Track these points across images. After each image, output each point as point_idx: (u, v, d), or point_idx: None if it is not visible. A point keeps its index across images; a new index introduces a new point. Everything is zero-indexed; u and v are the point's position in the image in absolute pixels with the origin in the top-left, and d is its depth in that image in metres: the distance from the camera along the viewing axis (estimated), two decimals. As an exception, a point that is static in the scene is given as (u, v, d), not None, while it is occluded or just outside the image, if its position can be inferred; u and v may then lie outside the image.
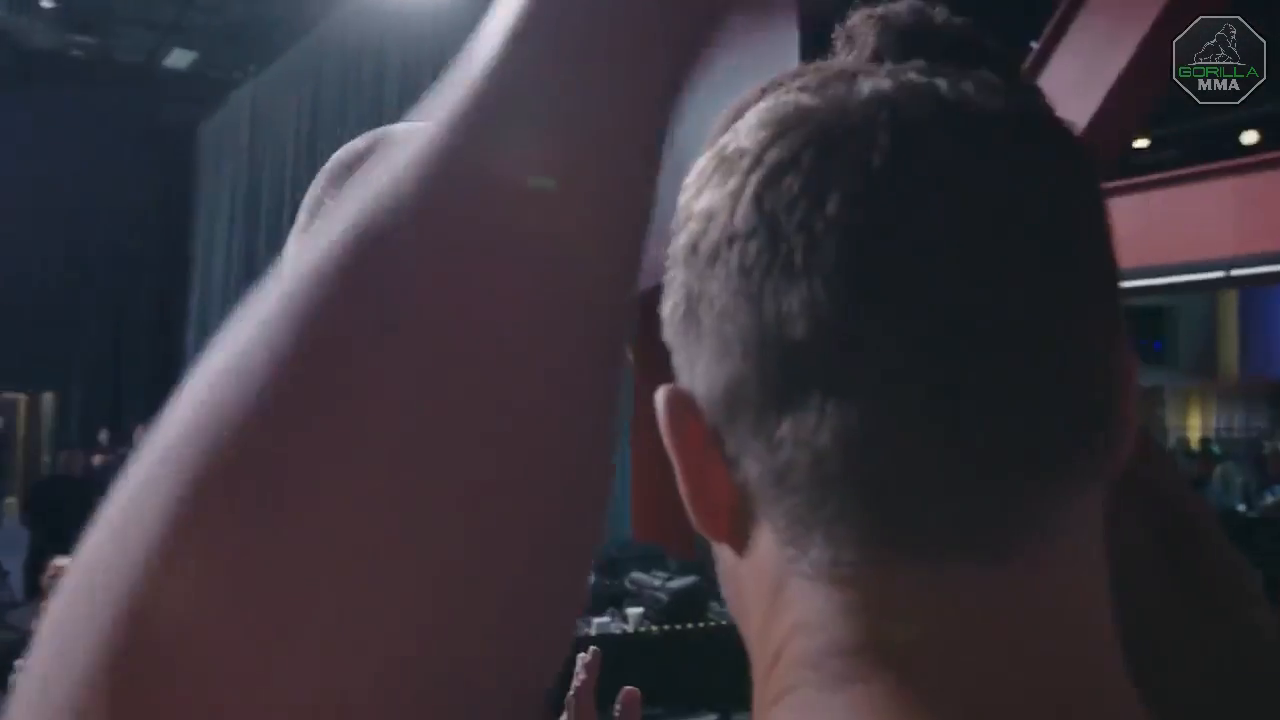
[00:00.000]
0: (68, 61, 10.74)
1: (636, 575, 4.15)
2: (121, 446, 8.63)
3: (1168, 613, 0.31)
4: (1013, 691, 0.23)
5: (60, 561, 3.71)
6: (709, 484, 0.26)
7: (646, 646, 3.95)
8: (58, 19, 9.72)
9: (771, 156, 0.24)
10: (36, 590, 4.43)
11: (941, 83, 0.25)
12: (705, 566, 3.06)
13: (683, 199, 0.27)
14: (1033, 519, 0.24)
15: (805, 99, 0.25)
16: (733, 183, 0.25)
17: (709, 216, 0.25)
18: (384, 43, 8.05)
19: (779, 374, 0.24)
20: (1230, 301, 9.08)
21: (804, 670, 0.24)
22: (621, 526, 5.15)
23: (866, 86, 0.25)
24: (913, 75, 0.25)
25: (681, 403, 0.26)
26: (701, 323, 0.25)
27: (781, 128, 0.25)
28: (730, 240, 0.24)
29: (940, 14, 0.28)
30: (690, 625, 3.97)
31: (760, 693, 0.26)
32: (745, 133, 0.26)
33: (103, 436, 9.09)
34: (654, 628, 4.02)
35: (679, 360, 0.27)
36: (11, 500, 8.54)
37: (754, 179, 0.24)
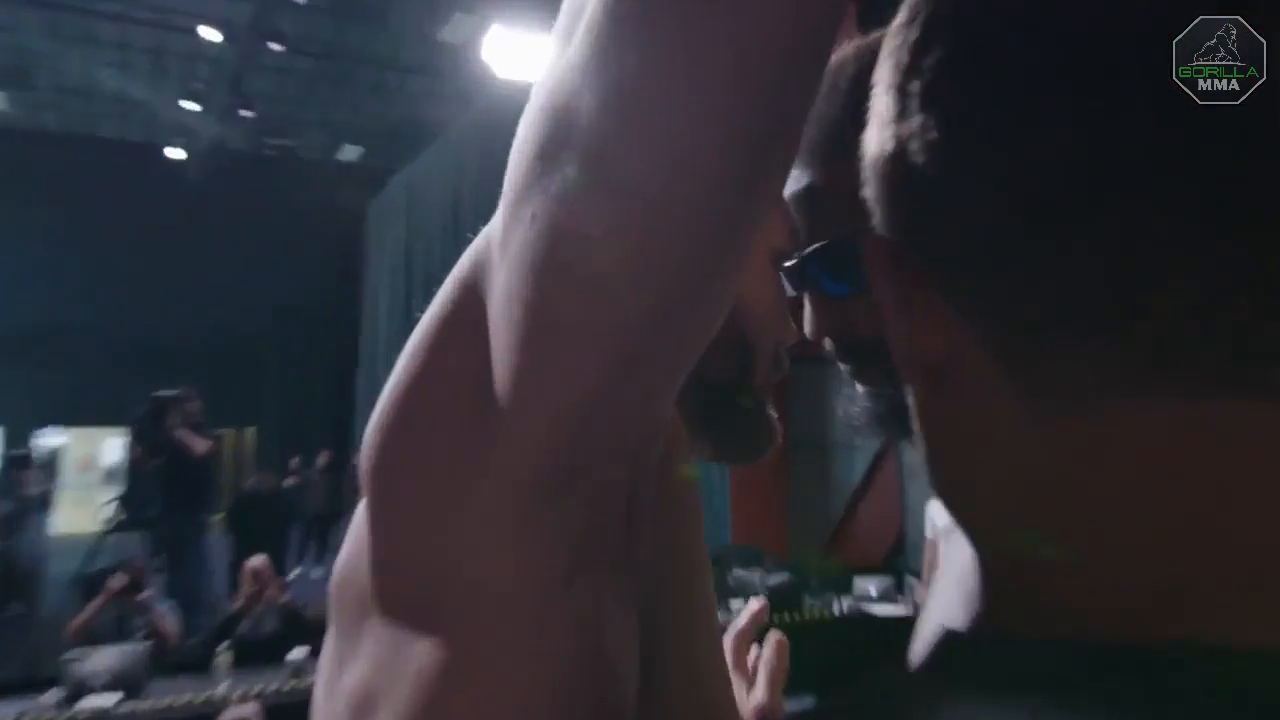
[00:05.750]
0: (261, 160, 12.03)
1: (738, 572, 4.43)
2: (309, 469, 9.60)
3: None
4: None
5: (253, 562, 4.01)
6: None
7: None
8: (254, 126, 10.70)
9: None
10: (234, 587, 4.44)
11: None
12: (796, 566, 3.94)
13: None
14: None
15: None
16: None
17: None
18: (508, 140, 8.87)
19: None
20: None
21: None
22: (722, 531, 5.46)
23: None
24: None
25: None
26: None
27: None
28: None
29: None
30: (786, 616, 4.16)
31: None
32: None
33: (294, 463, 9.86)
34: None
35: None
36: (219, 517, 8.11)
37: None
